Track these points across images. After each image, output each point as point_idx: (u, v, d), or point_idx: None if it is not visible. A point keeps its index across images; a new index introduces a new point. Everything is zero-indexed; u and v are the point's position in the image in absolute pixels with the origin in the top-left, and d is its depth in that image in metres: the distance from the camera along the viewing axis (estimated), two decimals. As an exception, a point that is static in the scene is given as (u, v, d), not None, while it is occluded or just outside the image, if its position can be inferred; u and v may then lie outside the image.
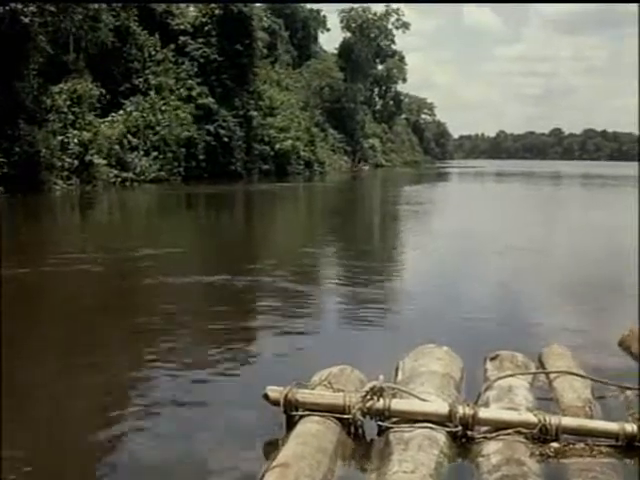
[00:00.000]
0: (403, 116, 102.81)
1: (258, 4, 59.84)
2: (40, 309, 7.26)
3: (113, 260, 10.27)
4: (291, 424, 3.55)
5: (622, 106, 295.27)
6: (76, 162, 27.06)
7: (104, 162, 28.84)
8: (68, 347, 5.66)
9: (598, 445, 3.34)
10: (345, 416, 3.52)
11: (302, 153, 47.73)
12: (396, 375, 4.30)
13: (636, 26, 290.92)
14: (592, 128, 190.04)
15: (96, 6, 28.67)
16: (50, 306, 7.50)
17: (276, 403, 3.62)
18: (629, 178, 50.53)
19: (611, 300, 7.78)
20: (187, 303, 7.55)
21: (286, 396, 3.60)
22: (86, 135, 27.62)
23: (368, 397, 3.55)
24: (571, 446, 3.34)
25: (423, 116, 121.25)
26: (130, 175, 30.48)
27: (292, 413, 3.60)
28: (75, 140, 27.11)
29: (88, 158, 27.47)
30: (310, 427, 3.41)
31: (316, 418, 3.50)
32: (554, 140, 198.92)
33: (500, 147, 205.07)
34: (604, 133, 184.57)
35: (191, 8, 41.17)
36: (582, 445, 3.35)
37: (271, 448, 3.40)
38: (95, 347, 5.63)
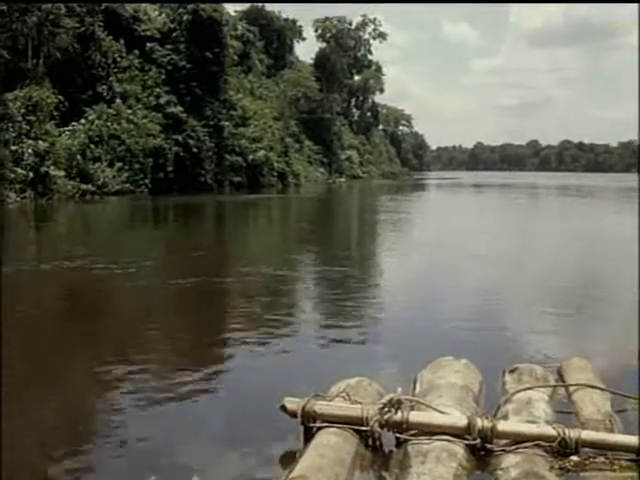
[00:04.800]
0: (380, 127, 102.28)
1: (233, 13, 59.17)
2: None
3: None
4: (309, 436, 3.49)
5: (598, 118, 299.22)
6: (31, 174, 25.46)
7: (62, 174, 27.22)
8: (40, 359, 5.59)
9: (618, 459, 3.25)
10: (363, 428, 3.48)
11: (276, 164, 46.21)
12: (414, 387, 4.23)
13: (613, 38, 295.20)
14: (568, 139, 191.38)
15: (51, 8, 27.09)
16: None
17: (294, 415, 3.58)
18: (605, 189, 50.64)
19: (623, 312, 7.48)
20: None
21: (304, 407, 3.56)
22: (42, 145, 26.01)
23: (386, 409, 3.50)
24: (591, 459, 3.26)
25: (401, 127, 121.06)
26: (90, 187, 28.80)
27: (310, 425, 3.56)
28: (30, 150, 25.51)
29: (44, 169, 25.85)
30: (328, 439, 3.38)
31: (334, 430, 3.47)
32: (531, 151, 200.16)
33: (478, 158, 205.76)
34: (580, 145, 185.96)
35: (163, 15, 39.80)
36: (602, 459, 3.26)
37: (288, 460, 3.33)
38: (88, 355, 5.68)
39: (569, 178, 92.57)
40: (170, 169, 35.41)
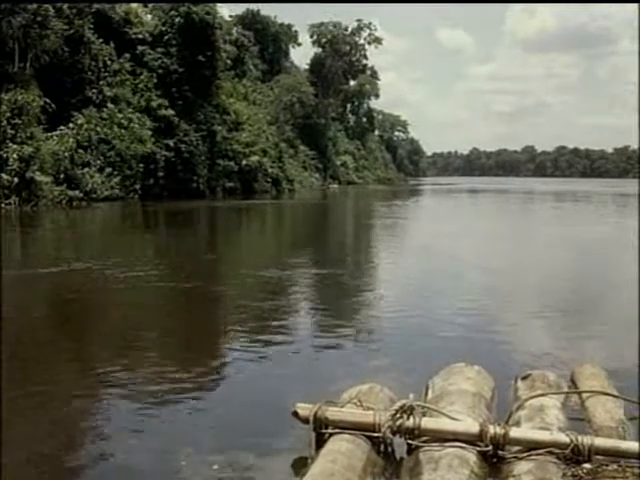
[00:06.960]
0: (376, 133, 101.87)
1: (228, 18, 58.65)
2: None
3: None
4: (320, 442, 3.46)
5: (594, 124, 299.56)
6: (16, 179, 24.72)
7: (48, 179, 26.45)
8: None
9: (631, 466, 3.18)
10: (375, 434, 3.47)
11: (270, 169, 45.51)
12: (426, 394, 4.18)
13: (608, 45, 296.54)
14: (564, 145, 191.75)
15: (38, 9, 26.42)
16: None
17: (305, 421, 3.56)
18: (602, 194, 50.45)
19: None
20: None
21: (315, 414, 3.54)
22: (27, 150, 25.25)
23: (398, 415, 3.49)
24: (603, 467, 3.21)
25: (396, 133, 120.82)
26: (77, 193, 28.01)
27: (322, 431, 3.53)
28: (15, 155, 24.76)
29: (29, 175, 25.09)
30: (340, 445, 3.37)
31: (346, 436, 3.46)
32: (527, 157, 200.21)
33: (473, 164, 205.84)
34: (576, 150, 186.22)
35: (156, 19, 39.17)
36: (615, 466, 3.21)
37: (300, 466, 3.34)
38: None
39: (565, 184, 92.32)
40: (161, 174, 34.72)
